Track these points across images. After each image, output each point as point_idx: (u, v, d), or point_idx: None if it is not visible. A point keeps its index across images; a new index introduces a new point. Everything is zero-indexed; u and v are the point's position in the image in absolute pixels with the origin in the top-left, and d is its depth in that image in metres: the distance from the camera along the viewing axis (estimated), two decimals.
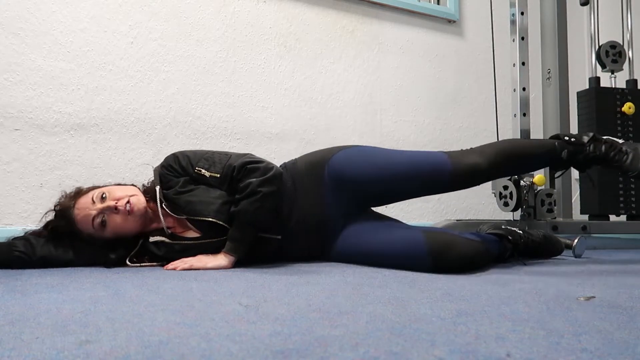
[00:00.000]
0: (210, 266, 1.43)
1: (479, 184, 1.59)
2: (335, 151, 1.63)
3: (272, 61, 2.52)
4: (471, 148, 1.60)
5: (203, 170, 1.53)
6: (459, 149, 1.63)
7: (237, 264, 1.53)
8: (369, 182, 1.57)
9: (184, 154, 1.58)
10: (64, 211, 1.47)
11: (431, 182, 1.56)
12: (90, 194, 1.48)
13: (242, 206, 1.45)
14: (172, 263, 1.46)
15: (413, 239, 1.42)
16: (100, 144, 2.10)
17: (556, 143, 1.60)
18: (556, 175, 1.74)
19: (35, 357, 0.58)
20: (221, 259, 1.45)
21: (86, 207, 1.45)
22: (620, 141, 1.62)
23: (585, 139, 1.61)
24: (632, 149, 1.57)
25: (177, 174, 1.55)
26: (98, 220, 1.44)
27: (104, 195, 1.46)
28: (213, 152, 1.58)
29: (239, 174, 1.49)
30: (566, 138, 1.62)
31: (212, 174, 1.52)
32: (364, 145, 1.72)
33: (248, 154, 1.57)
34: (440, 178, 1.53)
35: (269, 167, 1.50)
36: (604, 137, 1.63)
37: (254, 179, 1.46)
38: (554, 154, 1.60)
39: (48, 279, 1.24)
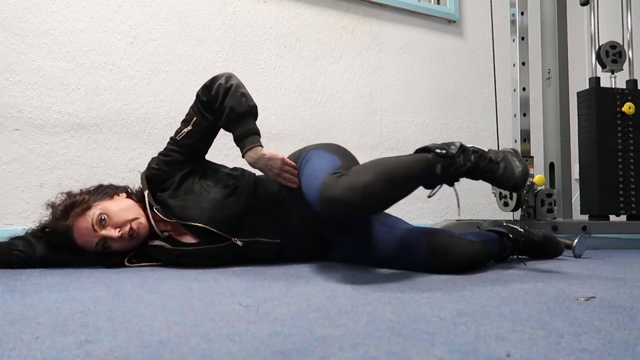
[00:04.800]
0: (267, 155, 1.45)
1: (350, 222, 1.33)
2: (302, 153, 1.57)
3: (272, 61, 2.52)
4: (351, 171, 1.26)
5: (185, 130, 1.51)
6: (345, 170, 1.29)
7: (237, 264, 1.53)
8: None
9: (162, 151, 1.57)
10: (61, 232, 1.42)
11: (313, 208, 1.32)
12: (87, 217, 1.41)
13: (228, 105, 1.45)
14: (282, 179, 1.48)
15: (413, 241, 1.41)
16: (100, 144, 2.10)
17: (430, 156, 1.34)
18: (430, 195, 1.41)
19: (35, 357, 0.58)
20: (253, 154, 1.45)
21: (87, 233, 1.41)
22: (486, 149, 1.44)
23: (454, 149, 1.37)
24: (501, 157, 1.39)
25: (169, 167, 1.51)
26: (100, 245, 1.42)
27: (102, 218, 1.41)
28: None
29: (203, 94, 1.50)
30: (437, 150, 1.35)
31: (193, 121, 1.51)
32: (322, 149, 1.56)
33: None
34: (314, 207, 1.28)
35: (218, 73, 1.52)
36: (470, 146, 1.41)
37: (217, 83, 1.48)
38: (431, 169, 1.33)
39: (48, 279, 1.24)
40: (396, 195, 1.30)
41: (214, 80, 1.50)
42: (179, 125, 1.55)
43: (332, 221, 1.42)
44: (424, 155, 1.35)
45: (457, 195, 1.50)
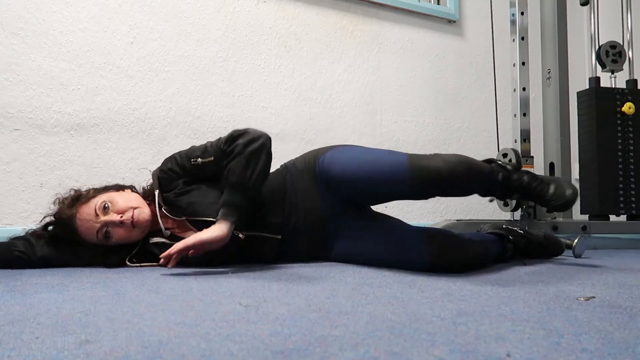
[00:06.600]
0: (205, 238, 1.34)
1: (438, 194, 1.45)
2: (323, 151, 1.62)
3: (272, 61, 2.52)
4: (433, 154, 1.44)
5: (199, 160, 1.50)
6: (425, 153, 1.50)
7: (237, 263, 1.53)
8: (345, 182, 1.53)
9: (181, 152, 1.56)
10: (65, 220, 1.44)
11: (390, 185, 1.45)
12: (91, 204, 1.44)
13: (229, 167, 1.42)
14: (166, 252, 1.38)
15: (412, 239, 1.42)
16: (100, 144, 2.10)
17: (493, 165, 1.57)
18: (490, 200, 1.81)
19: (35, 357, 0.58)
20: (215, 229, 1.36)
21: (89, 219, 1.43)
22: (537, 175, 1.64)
23: (509, 167, 1.59)
24: (553, 180, 1.58)
25: (177, 175, 1.54)
26: (102, 232, 1.43)
27: (106, 206, 1.43)
28: (208, 142, 1.54)
29: (227, 144, 1.46)
30: (499, 162, 1.60)
31: (207, 159, 1.49)
32: (353, 145, 1.69)
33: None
34: (398, 182, 1.41)
35: (256, 130, 1.48)
36: (523, 169, 1.64)
37: (240, 140, 1.44)
38: (494, 175, 1.54)
39: (48, 279, 1.24)
40: (468, 183, 1.45)
41: (240, 135, 1.46)
42: (200, 147, 1.53)
43: (419, 191, 1.44)
44: (489, 161, 1.59)
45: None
